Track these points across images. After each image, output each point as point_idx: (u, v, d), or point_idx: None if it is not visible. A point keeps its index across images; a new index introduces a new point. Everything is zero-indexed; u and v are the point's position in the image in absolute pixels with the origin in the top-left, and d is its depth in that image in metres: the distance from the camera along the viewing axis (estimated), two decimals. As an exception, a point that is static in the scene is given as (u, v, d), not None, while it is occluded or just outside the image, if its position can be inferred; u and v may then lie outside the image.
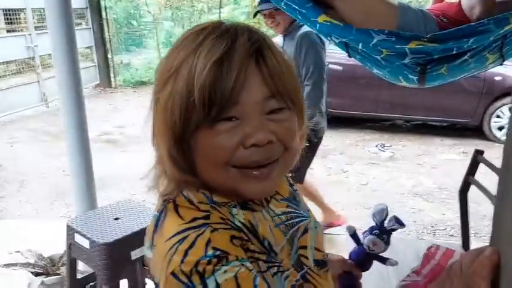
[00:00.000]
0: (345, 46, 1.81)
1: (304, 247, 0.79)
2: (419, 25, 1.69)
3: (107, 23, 10.08)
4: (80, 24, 9.06)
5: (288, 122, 0.68)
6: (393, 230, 0.98)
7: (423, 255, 0.94)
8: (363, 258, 1.01)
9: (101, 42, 9.77)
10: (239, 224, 0.69)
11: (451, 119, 6.09)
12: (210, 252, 0.60)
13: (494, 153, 5.05)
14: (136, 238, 1.85)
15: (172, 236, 0.64)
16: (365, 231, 1.01)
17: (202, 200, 0.69)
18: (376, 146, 5.64)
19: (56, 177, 4.68)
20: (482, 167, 2.00)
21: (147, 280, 2.26)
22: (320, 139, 2.91)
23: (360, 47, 1.72)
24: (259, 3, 2.76)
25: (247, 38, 0.66)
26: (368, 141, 5.83)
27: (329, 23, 1.66)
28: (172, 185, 0.71)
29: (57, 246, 2.81)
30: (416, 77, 1.77)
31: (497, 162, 1.90)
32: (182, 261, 0.60)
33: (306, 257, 0.78)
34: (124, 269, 1.88)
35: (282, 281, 0.70)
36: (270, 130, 0.66)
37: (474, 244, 2.32)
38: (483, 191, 1.87)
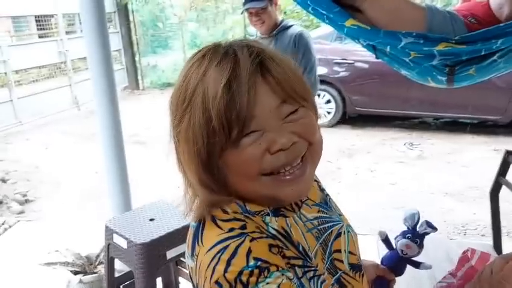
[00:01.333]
0: (372, 49, 1.82)
1: (339, 251, 0.81)
2: (447, 26, 1.68)
3: (135, 25, 10.26)
4: (109, 28, 9.27)
5: (305, 118, 0.71)
6: (426, 233, 0.99)
7: (458, 258, 0.95)
8: (397, 263, 1.01)
9: (128, 45, 9.97)
10: (273, 232, 0.72)
11: (482, 116, 5.96)
12: (252, 262, 0.63)
13: (527, 151, 4.90)
14: (171, 238, 1.92)
15: (213, 246, 0.67)
16: (397, 236, 1.01)
17: (236, 210, 0.73)
18: (404, 144, 5.59)
19: (90, 179, 4.83)
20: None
21: (181, 279, 2.33)
22: None
23: (388, 49, 1.72)
24: (246, 2, 2.85)
25: (247, 55, 0.68)
26: (395, 140, 5.78)
27: (356, 27, 1.67)
28: (205, 206, 0.73)
29: (93, 245, 2.91)
30: (445, 78, 1.77)
31: (529, 162, 1.89)
32: (226, 271, 0.63)
33: (341, 261, 0.80)
34: (159, 268, 1.95)
35: (319, 286, 0.72)
36: (291, 132, 0.69)
37: (506, 244, 2.30)
38: (515, 191, 1.86)
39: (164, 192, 4.46)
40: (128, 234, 1.90)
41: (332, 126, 6.36)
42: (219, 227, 0.70)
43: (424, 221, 0.99)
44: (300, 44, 2.81)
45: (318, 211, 0.84)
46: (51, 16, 8.18)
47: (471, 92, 5.34)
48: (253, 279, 0.62)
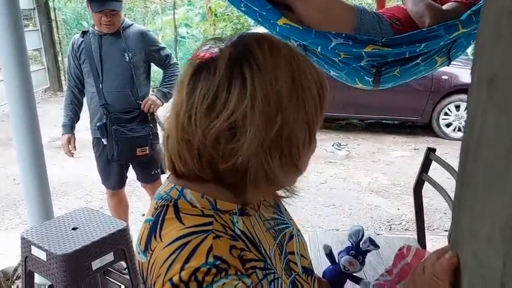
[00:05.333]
0: (303, 49, 1.83)
1: (292, 253, 0.81)
2: (375, 28, 1.74)
3: (57, 24, 9.72)
4: (28, 26, 8.69)
5: None
6: (368, 251, 1.01)
7: (395, 255, 0.97)
8: (338, 277, 1.03)
9: (50, 45, 9.41)
10: (239, 232, 0.69)
11: (402, 117, 6.31)
12: (211, 260, 0.61)
13: (444, 149, 5.24)
14: (96, 248, 1.80)
15: (173, 242, 0.63)
16: (341, 251, 1.03)
17: (206, 206, 0.69)
18: (333, 145, 5.75)
19: (6, 187, 4.48)
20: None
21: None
22: None
23: (319, 49, 1.74)
24: (101, 3, 2.68)
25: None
26: (324, 141, 5.94)
27: (288, 26, 1.68)
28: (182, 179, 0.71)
29: (10, 259, 2.69)
30: (371, 79, 1.83)
31: (448, 158, 1.99)
32: (182, 268, 0.60)
33: (295, 263, 0.80)
34: (84, 280, 1.82)
35: None
36: None
37: (428, 237, 2.41)
38: (436, 187, 1.95)
39: (90, 199, 4.24)
40: (47, 245, 1.75)
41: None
42: (181, 222, 0.66)
43: (368, 237, 1.01)
44: (150, 40, 2.89)
45: (273, 212, 0.84)
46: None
47: (392, 95, 5.65)
48: (208, 278, 0.60)
